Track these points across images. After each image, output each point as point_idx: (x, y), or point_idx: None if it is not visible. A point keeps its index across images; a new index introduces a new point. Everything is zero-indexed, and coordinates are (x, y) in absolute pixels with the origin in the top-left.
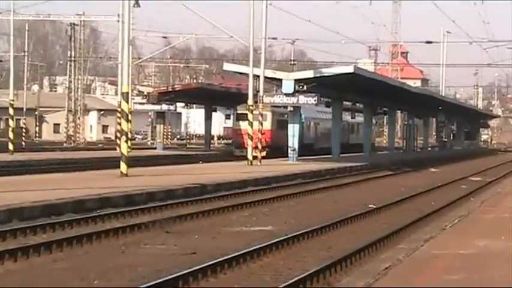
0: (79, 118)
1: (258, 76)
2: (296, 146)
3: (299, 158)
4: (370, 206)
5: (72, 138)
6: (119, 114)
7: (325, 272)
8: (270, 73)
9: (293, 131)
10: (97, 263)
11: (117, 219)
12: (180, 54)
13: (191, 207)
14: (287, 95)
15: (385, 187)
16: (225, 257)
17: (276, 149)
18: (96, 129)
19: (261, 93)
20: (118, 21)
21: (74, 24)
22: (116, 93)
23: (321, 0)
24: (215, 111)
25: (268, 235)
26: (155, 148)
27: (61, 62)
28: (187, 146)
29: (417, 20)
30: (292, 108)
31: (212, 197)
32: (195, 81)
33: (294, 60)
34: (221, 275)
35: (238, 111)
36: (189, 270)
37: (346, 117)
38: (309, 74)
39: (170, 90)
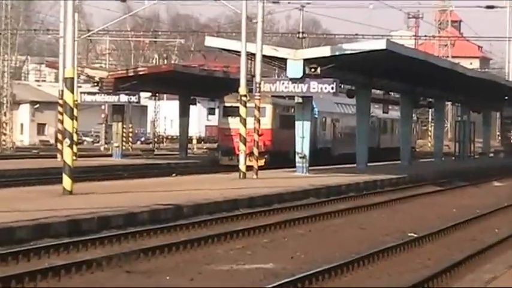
0: (5, 114)
1: (254, 55)
2: (307, 151)
3: (311, 168)
4: (409, 234)
5: None
6: (60, 109)
7: None
8: (270, 50)
9: (302, 130)
10: None
11: (59, 255)
12: (145, 24)
13: (161, 237)
14: (294, 80)
15: (431, 208)
16: None
17: (278, 155)
18: (29, 129)
19: (257, 78)
20: None
21: None
22: (57, 80)
23: None
24: (194, 103)
25: (268, 275)
26: (110, 155)
27: None
28: (156, 152)
29: None
30: (300, 100)
31: (190, 223)
32: (165, 61)
33: (303, 33)
34: None
35: (226, 104)
36: None
37: (376, 111)
38: (325, 51)
39: (131, 74)
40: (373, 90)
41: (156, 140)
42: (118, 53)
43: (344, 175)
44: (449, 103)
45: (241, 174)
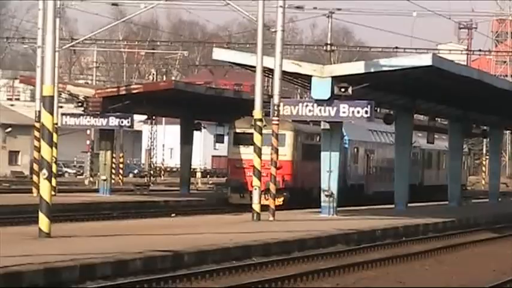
0: None
1: (272, 71)
2: (335, 189)
3: (340, 209)
4: None
5: None
6: (37, 134)
7: None
8: (291, 66)
9: (329, 163)
10: None
11: None
12: (141, 33)
13: None
14: (320, 102)
15: (485, 260)
16: None
17: (300, 193)
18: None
19: (275, 99)
20: None
21: None
22: (33, 98)
23: None
24: (198, 129)
25: None
26: (97, 190)
27: None
28: (152, 187)
29: None
30: (328, 126)
31: (192, 273)
32: (165, 78)
33: (331, 45)
34: None
35: (238, 130)
36: None
37: (420, 141)
38: (358, 67)
39: (123, 93)
40: (416, 116)
41: (152, 172)
42: (107, 67)
43: (379, 218)
44: (507, 132)
45: (255, 215)
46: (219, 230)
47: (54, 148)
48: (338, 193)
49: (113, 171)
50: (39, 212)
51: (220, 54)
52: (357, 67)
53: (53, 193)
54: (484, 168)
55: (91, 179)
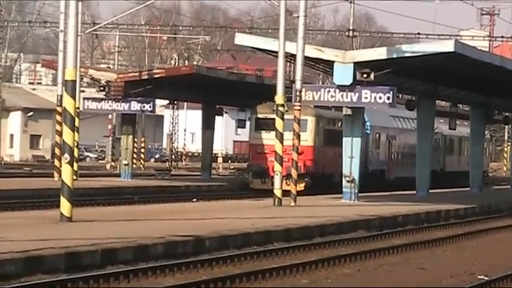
0: None
1: (294, 56)
2: (356, 174)
3: (361, 194)
4: (479, 277)
5: None
6: (58, 118)
7: None
8: (313, 51)
9: (351, 149)
10: None
11: None
12: (163, 17)
13: (178, 275)
14: (342, 88)
15: (506, 246)
16: None
17: (321, 179)
18: (21, 142)
19: (297, 84)
20: None
21: None
22: (55, 82)
23: None
24: (220, 114)
25: None
26: (118, 175)
27: None
28: (173, 172)
29: None
30: (350, 111)
31: (214, 258)
32: (186, 62)
33: (354, 31)
34: None
35: (259, 115)
36: None
37: (441, 127)
38: (380, 53)
39: (145, 77)
40: (437, 102)
41: (173, 157)
42: (129, 52)
43: (401, 203)
44: None
45: (276, 200)
46: (240, 215)
47: (75, 132)
48: (359, 179)
49: (135, 155)
50: (61, 196)
51: (242, 39)
52: (379, 53)
53: (74, 177)
54: (505, 155)
55: (112, 163)
